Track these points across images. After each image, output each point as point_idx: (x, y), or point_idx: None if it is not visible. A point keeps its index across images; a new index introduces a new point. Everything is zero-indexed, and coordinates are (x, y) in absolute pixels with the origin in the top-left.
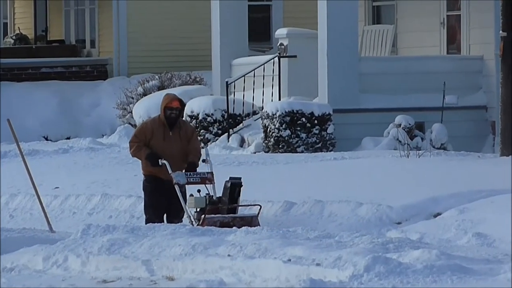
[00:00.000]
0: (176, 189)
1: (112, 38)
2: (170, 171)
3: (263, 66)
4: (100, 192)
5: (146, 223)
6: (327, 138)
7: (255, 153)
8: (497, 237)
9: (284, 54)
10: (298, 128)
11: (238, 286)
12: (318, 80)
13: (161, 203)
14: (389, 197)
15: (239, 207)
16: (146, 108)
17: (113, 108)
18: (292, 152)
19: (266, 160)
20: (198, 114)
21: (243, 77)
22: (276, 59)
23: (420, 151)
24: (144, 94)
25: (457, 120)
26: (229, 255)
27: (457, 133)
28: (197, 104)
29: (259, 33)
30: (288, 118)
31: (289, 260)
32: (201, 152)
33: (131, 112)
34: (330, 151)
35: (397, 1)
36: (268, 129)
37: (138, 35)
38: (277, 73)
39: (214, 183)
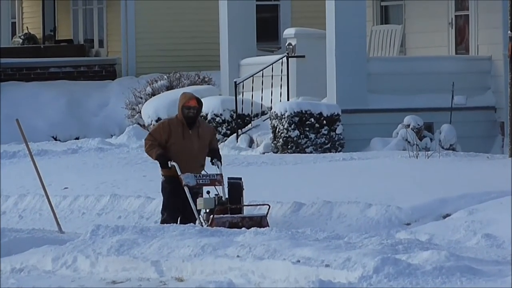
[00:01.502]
0: (186, 191)
1: (121, 37)
2: (179, 173)
3: (271, 66)
4: (109, 193)
5: (161, 223)
6: (335, 138)
7: (264, 153)
8: (506, 238)
9: (293, 54)
10: (307, 129)
11: (247, 287)
12: (327, 80)
13: (178, 205)
14: (398, 198)
15: (249, 207)
16: (155, 108)
17: (121, 108)
18: (301, 153)
19: (275, 160)
20: (206, 115)
21: (252, 77)
22: (285, 59)
23: (429, 152)
24: (153, 94)
25: (466, 120)
26: (238, 256)
27: (466, 134)
28: (206, 104)
29: (267, 33)
30: (296, 119)
31: (298, 261)
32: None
33: (140, 112)
34: (339, 151)
35: (405, 1)
36: (277, 130)
37: (146, 35)
38: (286, 73)
39: (224, 184)
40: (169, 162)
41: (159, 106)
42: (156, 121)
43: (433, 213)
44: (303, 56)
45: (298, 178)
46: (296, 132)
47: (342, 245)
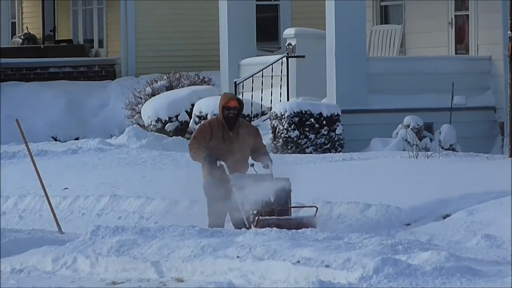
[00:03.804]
0: (234, 192)
1: (120, 38)
2: (228, 173)
3: (271, 66)
4: (109, 193)
5: (209, 224)
6: (335, 138)
7: None
8: (506, 239)
9: (292, 54)
10: (307, 129)
11: (247, 287)
12: (326, 81)
13: (223, 205)
14: (398, 198)
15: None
16: (155, 109)
17: (121, 108)
18: (301, 153)
19: (274, 161)
20: (206, 115)
21: (252, 77)
22: (284, 59)
23: (428, 152)
24: (153, 95)
25: (466, 121)
26: (238, 257)
27: (465, 134)
28: (206, 105)
29: (267, 33)
30: (296, 119)
31: (298, 261)
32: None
33: (140, 112)
34: (338, 152)
35: (405, 1)
36: (277, 130)
37: (146, 35)
38: (286, 73)
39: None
40: (217, 162)
41: (159, 107)
42: (156, 121)
43: (433, 214)
44: (303, 56)
45: (298, 179)
46: (296, 132)
47: (342, 246)
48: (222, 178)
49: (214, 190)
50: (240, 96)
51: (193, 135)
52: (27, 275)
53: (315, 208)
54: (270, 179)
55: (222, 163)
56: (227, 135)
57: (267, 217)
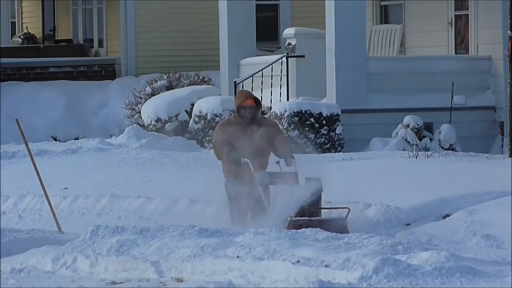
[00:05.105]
0: (260, 190)
1: (120, 37)
2: (253, 170)
3: (271, 66)
4: (109, 193)
5: (232, 223)
6: (335, 138)
7: None
8: (506, 239)
9: (292, 54)
10: (307, 129)
11: (247, 287)
12: (326, 80)
13: (245, 202)
14: (398, 198)
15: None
16: (155, 108)
17: (121, 108)
18: (300, 153)
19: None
20: (206, 114)
21: (251, 77)
22: (284, 59)
23: (428, 152)
24: (153, 94)
25: (466, 120)
26: (238, 257)
27: (465, 134)
28: (205, 105)
29: (267, 32)
30: (296, 119)
31: (298, 261)
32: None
33: (140, 112)
34: (338, 151)
35: (405, 0)
36: None
37: (146, 35)
38: (285, 73)
39: (299, 183)
40: (241, 159)
41: (159, 106)
42: (156, 121)
43: (433, 213)
44: (303, 56)
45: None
46: (296, 132)
47: (342, 246)
48: (245, 176)
49: (237, 188)
50: None
51: (214, 131)
52: (27, 275)
53: (347, 209)
54: (296, 178)
55: (247, 160)
56: (245, 132)
57: (299, 218)
